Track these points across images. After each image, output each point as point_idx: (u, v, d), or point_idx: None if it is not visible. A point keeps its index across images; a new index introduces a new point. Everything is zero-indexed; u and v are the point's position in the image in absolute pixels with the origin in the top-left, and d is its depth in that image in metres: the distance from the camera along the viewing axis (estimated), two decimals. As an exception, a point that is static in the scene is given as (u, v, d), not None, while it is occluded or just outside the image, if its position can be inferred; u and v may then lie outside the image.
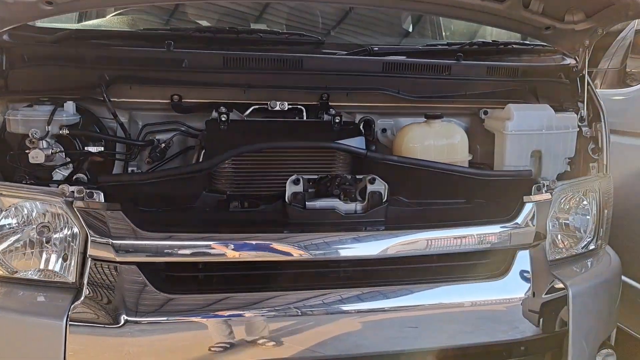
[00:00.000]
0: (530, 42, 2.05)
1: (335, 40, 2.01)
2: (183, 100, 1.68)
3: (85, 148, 1.63)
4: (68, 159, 1.61)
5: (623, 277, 1.98)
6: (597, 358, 1.79)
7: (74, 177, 1.62)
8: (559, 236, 1.80)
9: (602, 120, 1.91)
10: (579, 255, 1.83)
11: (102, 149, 1.64)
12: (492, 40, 2.03)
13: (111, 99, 1.62)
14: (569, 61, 2.00)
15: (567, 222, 1.82)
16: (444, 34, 2.47)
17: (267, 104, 1.70)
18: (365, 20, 2.16)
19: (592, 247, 1.86)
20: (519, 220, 1.63)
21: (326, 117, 1.74)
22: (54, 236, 1.47)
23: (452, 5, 1.76)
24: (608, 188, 1.88)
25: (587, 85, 1.93)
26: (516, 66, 1.90)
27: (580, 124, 1.92)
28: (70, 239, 1.47)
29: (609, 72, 2.89)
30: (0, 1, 1.46)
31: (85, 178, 1.62)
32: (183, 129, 1.74)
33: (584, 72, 1.94)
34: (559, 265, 1.76)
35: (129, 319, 1.38)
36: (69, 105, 1.57)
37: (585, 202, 1.83)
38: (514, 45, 2.01)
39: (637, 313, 2.47)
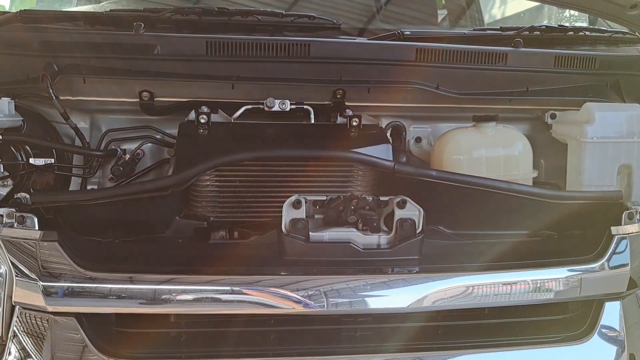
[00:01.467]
0: (608, 29, 1.59)
1: (356, 24, 1.60)
2: (155, 99, 1.30)
3: (30, 160, 1.26)
4: (6, 173, 1.25)
5: None
6: None
7: (14, 197, 1.26)
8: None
9: None
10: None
11: (52, 160, 1.27)
12: (559, 25, 1.58)
13: (63, 98, 1.25)
14: (644, 50, 1.54)
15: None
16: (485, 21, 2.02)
17: (263, 103, 1.30)
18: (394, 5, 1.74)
19: None
20: (606, 260, 1.17)
21: (340, 120, 1.32)
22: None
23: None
24: None
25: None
26: (593, 55, 1.44)
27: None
28: (-4, 277, 1.10)
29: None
30: None
31: (29, 198, 1.26)
32: (158, 136, 1.35)
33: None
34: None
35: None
36: (4, 103, 1.20)
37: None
38: (587, 33, 1.56)
39: None
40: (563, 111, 1.42)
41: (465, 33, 1.47)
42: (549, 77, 1.41)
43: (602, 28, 1.62)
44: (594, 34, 1.60)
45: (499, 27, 1.51)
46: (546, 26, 1.54)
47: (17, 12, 1.34)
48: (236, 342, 1.11)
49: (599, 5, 1.45)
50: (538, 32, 1.53)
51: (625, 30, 1.58)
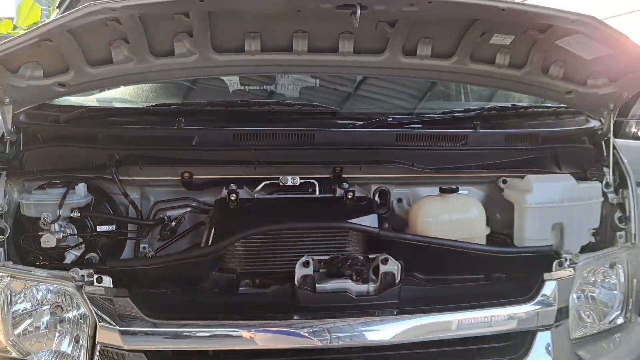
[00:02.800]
0: (552, 105, 1.98)
1: (350, 108, 1.98)
2: (194, 177, 1.67)
3: (97, 228, 1.63)
4: (80, 240, 1.62)
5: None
6: None
7: (86, 257, 1.63)
8: (584, 311, 1.72)
9: (630, 186, 1.83)
10: (606, 331, 1.74)
11: (114, 227, 1.64)
12: (512, 104, 1.97)
13: (122, 178, 1.62)
14: (594, 124, 1.93)
15: (593, 295, 1.74)
16: (462, 94, 2.41)
17: (278, 178, 1.68)
18: (382, 84, 2.12)
19: (620, 321, 1.77)
20: (539, 299, 1.56)
21: (339, 192, 1.70)
22: (66, 316, 1.47)
23: (469, 74, 1.73)
24: (637, 258, 1.80)
25: (613, 149, 1.86)
26: (537, 132, 1.84)
27: (605, 190, 1.84)
28: (81, 321, 1.47)
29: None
30: (11, 86, 1.50)
31: (97, 257, 1.63)
32: (194, 204, 1.73)
33: (609, 136, 1.87)
34: (584, 342, 1.68)
35: None
36: (80, 188, 1.58)
37: (612, 275, 1.75)
38: (535, 109, 1.95)
39: None
40: (512, 178, 1.81)
41: (435, 117, 1.86)
42: (501, 152, 1.80)
43: (547, 105, 2.01)
44: (541, 110, 1.99)
45: (463, 110, 1.90)
46: (501, 106, 1.93)
47: (83, 109, 1.71)
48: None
49: (542, 91, 1.83)
50: (495, 111, 1.93)
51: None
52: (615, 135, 1.94)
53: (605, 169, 1.86)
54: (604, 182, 1.84)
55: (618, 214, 1.82)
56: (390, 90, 2.13)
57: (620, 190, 1.84)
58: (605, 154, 1.87)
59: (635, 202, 1.82)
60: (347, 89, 2.09)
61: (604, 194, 1.83)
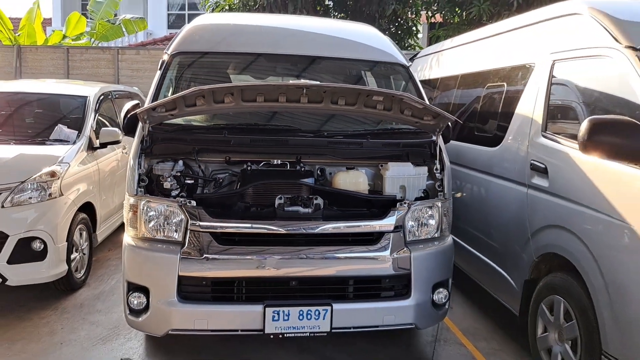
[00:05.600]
0: (411, 128, 3.82)
1: (307, 128, 3.82)
2: (231, 159, 3.56)
3: (185, 180, 3.52)
4: (178, 186, 3.51)
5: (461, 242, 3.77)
6: (434, 294, 3.53)
7: (180, 193, 3.51)
8: (417, 229, 3.55)
9: (445, 170, 3.68)
10: (428, 239, 3.58)
11: (192, 181, 3.53)
12: (390, 127, 3.85)
13: (198, 158, 3.52)
14: (432, 138, 3.78)
15: (423, 221, 3.58)
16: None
17: (270, 161, 3.56)
18: (325, 114, 3.97)
19: (436, 235, 3.61)
20: (386, 219, 3.41)
21: (298, 167, 3.58)
22: (173, 220, 3.35)
23: (365, 113, 3.58)
24: (447, 205, 3.64)
25: (440, 151, 3.71)
26: (399, 142, 3.71)
27: (435, 172, 3.69)
28: (180, 222, 3.34)
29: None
30: (150, 115, 3.39)
31: (185, 194, 3.51)
32: (231, 171, 3.61)
33: (438, 143, 3.72)
34: (416, 242, 3.51)
35: (207, 255, 3.25)
36: (180, 163, 3.48)
37: (432, 212, 3.59)
38: (400, 130, 3.82)
39: (464, 259, 4.28)
40: (384, 164, 3.65)
41: (348, 132, 3.73)
42: (380, 151, 3.66)
43: (410, 127, 3.84)
44: (405, 130, 3.84)
45: (362, 129, 3.77)
46: (384, 129, 3.80)
47: (180, 125, 3.61)
48: (258, 243, 3.36)
49: (402, 121, 3.66)
50: (381, 130, 3.80)
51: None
52: (447, 142, 3.80)
53: (436, 161, 3.72)
54: (434, 167, 3.70)
55: (438, 183, 3.67)
56: (327, 119, 3.98)
57: (443, 172, 3.69)
58: (436, 153, 3.72)
59: (447, 178, 3.67)
60: (304, 119, 3.96)
61: (433, 174, 3.69)
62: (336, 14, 12.20)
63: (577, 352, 3.11)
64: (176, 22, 24.14)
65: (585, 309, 3.02)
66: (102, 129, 5.54)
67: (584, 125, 2.74)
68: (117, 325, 4.18)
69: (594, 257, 2.96)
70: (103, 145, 5.50)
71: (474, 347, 3.99)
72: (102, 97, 6.16)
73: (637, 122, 2.68)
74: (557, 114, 3.63)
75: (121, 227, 6.30)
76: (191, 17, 24.98)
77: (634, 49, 2.95)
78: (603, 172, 2.94)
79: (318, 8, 11.77)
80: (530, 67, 3.98)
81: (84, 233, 5.03)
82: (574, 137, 3.12)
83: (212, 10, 11.61)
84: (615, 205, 2.82)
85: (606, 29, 3.17)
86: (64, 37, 15.58)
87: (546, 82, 3.70)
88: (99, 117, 5.86)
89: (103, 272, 5.36)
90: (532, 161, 3.66)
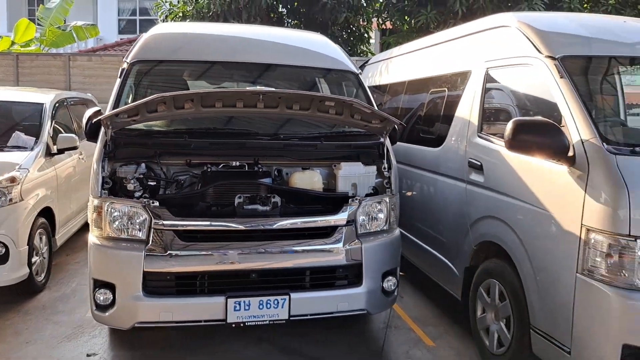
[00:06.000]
0: (361, 131, 4.13)
1: (264, 131, 4.08)
2: (191, 162, 3.77)
3: (148, 182, 3.70)
4: (141, 188, 3.68)
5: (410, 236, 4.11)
6: (384, 282, 3.83)
7: (143, 194, 3.69)
8: (367, 222, 3.85)
9: (393, 170, 4.00)
10: (378, 231, 3.89)
11: (155, 183, 3.72)
12: (342, 130, 4.15)
13: (161, 161, 3.71)
14: (380, 139, 4.09)
15: (373, 215, 3.88)
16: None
17: (229, 163, 3.79)
18: (281, 118, 4.23)
19: (385, 228, 3.92)
20: (339, 214, 3.70)
21: (256, 168, 3.82)
22: (137, 220, 3.53)
23: (318, 117, 3.85)
24: (394, 201, 3.96)
25: (387, 152, 4.03)
26: (350, 144, 4.01)
27: (384, 171, 4.01)
28: (144, 221, 3.52)
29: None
30: (113, 121, 3.56)
31: (148, 195, 3.68)
32: (191, 173, 3.82)
33: (386, 145, 4.04)
34: (367, 235, 3.80)
35: (170, 252, 3.44)
36: (142, 166, 3.66)
37: (379, 207, 3.90)
38: (353, 132, 4.13)
39: (413, 252, 4.64)
40: (337, 164, 3.94)
41: (304, 135, 4.00)
42: (333, 152, 3.95)
43: (360, 131, 4.14)
44: (357, 132, 4.15)
45: (317, 133, 4.05)
46: (337, 132, 4.10)
47: (142, 130, 3.79)
48: (220, 239, 3.57)
49: (353, 125, 3.96)
50: (334, 133, 4.09)
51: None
52: (394, 143, 4.12)
53: (384, 161, 4.03)
54: (382, 166, 4.01)
55: (386, 181, 3.99)
56: (282, 123, 4.24)
57: (390, 171, 4.01)
58: (384, 153, 4.04)
59: (394, 176, 3.99)
60: (261, 123, 4.21)
61: (381, 172, 4.00)
62: (290, 20, 12.49)
63: (510, 328, 3.47)
64: (127, 27, 23.90)
65: (517, 290, 3.38)
66: (60, 135, 5.62)
67: (509, 126, 3.11)
68: (81, 324, 4.30)
69: (523, 243, 3.32)
70: (60, 152, 5.58)
71: (422, 332, 4.32)
72: (58, 104, 6.21)
73: (554, 123, 3.06)
74: (490, 116, 4.01)
75: (78, 232, 6.36)
76: (142, 23, 24.72)
77: (552, 58, 3.34)
78: (527, 167, 3.32)
79: (272, 15, 12.03)
80: (467, 74, 4.36)
81: (44, 237, 5.10)
82: (503, 137, 3.49)
83: (166, 17, 11.68)
84: (538, 196, 3.20)
85: (530, 41, 3.56)
86: (13, 43, 15.26)
87: (481, 88, 4.08)
88: (55, 124, 5.92)
89: (63, 276, 5.43)
90: (469, 159, 4.03)
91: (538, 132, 3.02)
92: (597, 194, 2.78)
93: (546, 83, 3.32)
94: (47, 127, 5.62)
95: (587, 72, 3.40)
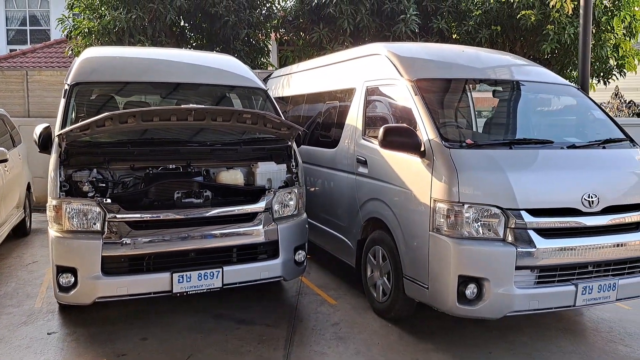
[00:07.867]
0: (273, 137, 5.16)
1: (195, 138, 4.99)
2: (135, 166, 4.60)
3: (99, 184, 4.48)
4: (94, 188, 4.45)
5: (316, 223, 5.20)
6: (295, 254, 4.90)
7: (96, 194, 4.45)
8: (281, 209, 4.89)
9: (299, 167, 5.08)
10: (289, 216, 4.94)
11: (105, 184, 4.50)
12: (257, 136, 5.17)
13: (110, 167, 4.51)
14: (288, 143, 5.15)
15: (284, 203, 4.93)
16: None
17: (167, 165, 4.67)
18: (209, 129, 5.15)
19: (295, 213, 4.98)
20: (258, 203, 4.71)
21: (189, 169, 4.73)
22: (92, 215, 4.31)
23: (238, 126, 4.83)
24: (301, 191, 5.04)
25: (294, 153, 5.11)
26: (264, 147, 5.03)
27: (292, 168, 5.07)
28: (98, 215, 4.30)
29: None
30: (67, 135, 4.32)
31: (99, 194, 4.45)
32: (134, 175, 4.64)
33: (293, 147, 5.11)
34: (281, 219, 4.84)
35: (124, 239, 4.27)
36: (94, 171, 4.45)
37: (290, 196, 4.96)
38: (267, 137, 5.16)
39: (318, 236, 5.78)
40: (255, 163, 4.94)
41: (228, 141, 4.97)
42: (252, 155, 4.95)
43: (273, 137, 5.18)
44: (269, 138, 5.18)
45: (238, 139, 5.04)
46: (253, 138, 5.11)
47: (91, 141, 4.56)
48: (162, 226, 4.44)
49: (268, 132, 4.99)
50: (252, 139, 5.09)
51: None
52: (299, 146, 5.21)
53: (292, 160, 5.10)
54: (291, 164, 5.07)
55: (294, 176, 5.06)
56: (209, 132, 5.17)
57: (297, 168, 5.08)
58: (292, 154, 5.11)
59: (301, 172, 5.07)
60: (192, 133, 5.11)
61: (290, 169, 5.06)
62: (192, 34, 13.21)
63: (390, 280, 4.67)
64: (17, 37, 23.11)
65: (393, 251, 4.59)
66: (-9, 148, 6.11)
67: (380, 131, 4.31)
68: (33, 313, 4.93)
69: (396, 216, 4.54)
70: (-10, 164, 6.07)
71: (326, 295, 5.45)
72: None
73: (411, 128, 4.30)
74: (371, 123, 5.23)
75: (6, 239, 6.81)
76: (34, 33, 23.98)
77: (410, 80, 4.59)
78: (394, 160, 4.55)
79: (174, 29, 12.67)
80: (353, 90, 5.56)
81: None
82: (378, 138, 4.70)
83: (70, 33, 11.85)
84: (403, 180, 4.43)
85: (395, 67, 4.81)
86: None
87: (363, 101, 5.29)
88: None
89: None
90: (357, 156, 5.21)
91: (400, 135, 4.24)
92: (439, 175, 4.04)
93: (406, 98, 4.57)
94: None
95: (434, 90, 4.70)
